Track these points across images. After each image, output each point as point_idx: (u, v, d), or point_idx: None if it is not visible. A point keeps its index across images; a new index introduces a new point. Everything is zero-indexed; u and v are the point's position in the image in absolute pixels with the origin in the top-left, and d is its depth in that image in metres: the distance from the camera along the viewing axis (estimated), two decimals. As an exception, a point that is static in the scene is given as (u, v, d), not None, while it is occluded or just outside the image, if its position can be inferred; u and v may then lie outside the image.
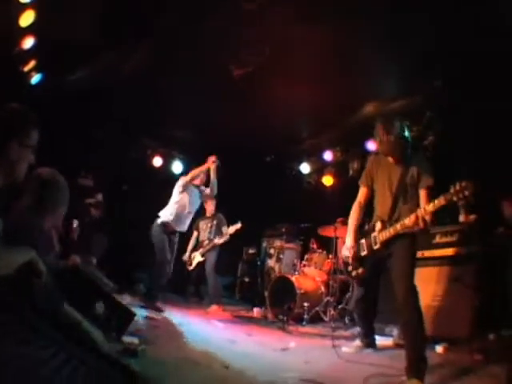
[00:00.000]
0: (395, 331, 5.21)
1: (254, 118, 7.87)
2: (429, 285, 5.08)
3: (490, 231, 5.15)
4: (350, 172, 8.85)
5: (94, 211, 8.11)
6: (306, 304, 6.72)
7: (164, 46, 6.88)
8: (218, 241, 7.77)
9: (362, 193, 4.43)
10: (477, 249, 4.90)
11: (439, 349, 4.63)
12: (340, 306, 6.93)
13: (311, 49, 6.23)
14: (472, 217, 5.14)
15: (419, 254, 4.83)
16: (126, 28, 6.27)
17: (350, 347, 4.79)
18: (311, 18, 5.74)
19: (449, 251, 5.11)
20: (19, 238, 3.01)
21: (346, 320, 6.58)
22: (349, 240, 4.37)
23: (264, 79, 7.02)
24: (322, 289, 7.14)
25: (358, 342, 4.79)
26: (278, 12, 5.79)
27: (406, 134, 3.98)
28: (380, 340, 4.95)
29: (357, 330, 5.06)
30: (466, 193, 3.23)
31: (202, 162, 7.31)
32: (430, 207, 3.55)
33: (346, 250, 4.38)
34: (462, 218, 5.22)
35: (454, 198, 3.31)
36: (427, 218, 3.63)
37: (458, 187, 3.27)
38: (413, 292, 3.75)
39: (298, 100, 7.23)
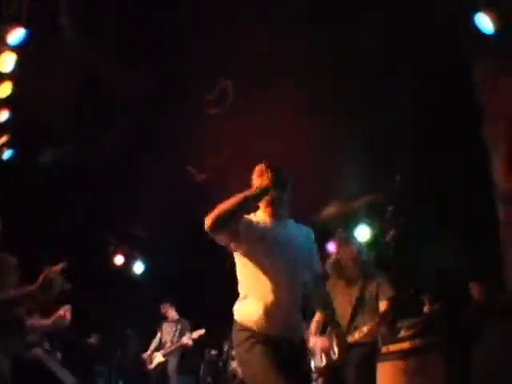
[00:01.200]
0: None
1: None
2: (395, 378, 5.05)
3: (457, 316, 5.26)
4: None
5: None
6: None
7: (127, 144, 7.08)
8: (182, 343, 7.86)
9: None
10: (442, 336, 4.95)
11: None
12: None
13: (271, 154, 6.51)
14: (436, 305, 5.28)
15: (385, 349, 4.91)
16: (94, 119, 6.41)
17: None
18: (271, 123, 6.07)
19: (415, 343, 5.10)
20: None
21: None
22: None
23: (224, 181, 7.22)
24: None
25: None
26: (238, 116, 6.10)
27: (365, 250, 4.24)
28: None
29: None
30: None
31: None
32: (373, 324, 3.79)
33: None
34: (426, 310, 5.36)
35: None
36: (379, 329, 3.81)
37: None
38: None
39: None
